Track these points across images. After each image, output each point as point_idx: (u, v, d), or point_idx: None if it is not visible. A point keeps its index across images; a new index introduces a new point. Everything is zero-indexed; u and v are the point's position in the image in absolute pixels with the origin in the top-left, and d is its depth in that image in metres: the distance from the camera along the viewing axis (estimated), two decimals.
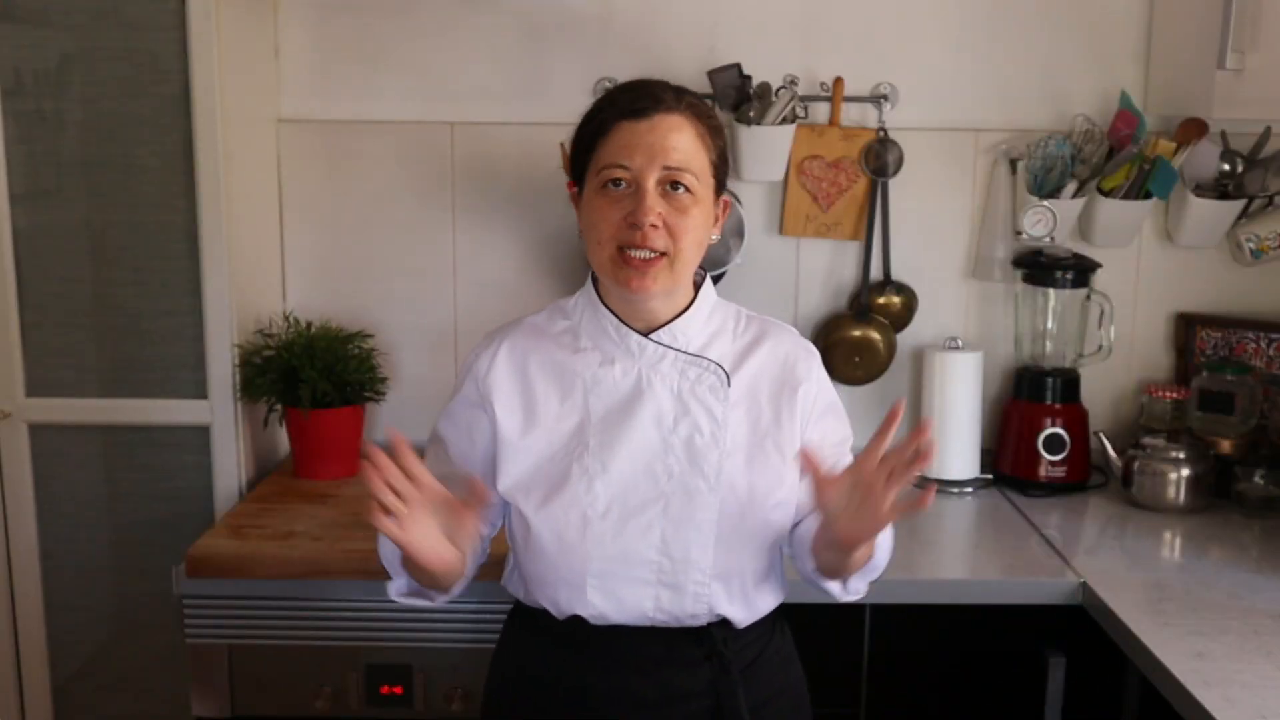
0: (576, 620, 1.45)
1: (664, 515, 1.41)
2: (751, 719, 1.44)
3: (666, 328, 1.45)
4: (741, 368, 1.47)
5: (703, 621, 1.44)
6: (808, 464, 1.31)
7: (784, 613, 1.59)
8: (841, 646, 1.88)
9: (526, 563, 1.46)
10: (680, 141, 1.38)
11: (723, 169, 1.46)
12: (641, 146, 1.37)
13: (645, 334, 1.45)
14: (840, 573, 1.45)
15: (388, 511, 1.28)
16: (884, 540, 1.47)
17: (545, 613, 1.48)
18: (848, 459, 1.52)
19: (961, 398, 2.30)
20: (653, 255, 1.38)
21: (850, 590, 1.49)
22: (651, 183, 1.37)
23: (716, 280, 1.63)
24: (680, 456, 1.42)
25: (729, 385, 1.45)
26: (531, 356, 1.48)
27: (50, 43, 2.06)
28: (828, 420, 1.52)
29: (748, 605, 1.47)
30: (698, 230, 1.41)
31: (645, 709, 1.44)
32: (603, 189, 1.39)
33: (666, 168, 1.37)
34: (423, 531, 1.32)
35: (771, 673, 1.51)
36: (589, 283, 1.51)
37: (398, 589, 1.50)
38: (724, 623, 1.46)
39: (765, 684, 1.49)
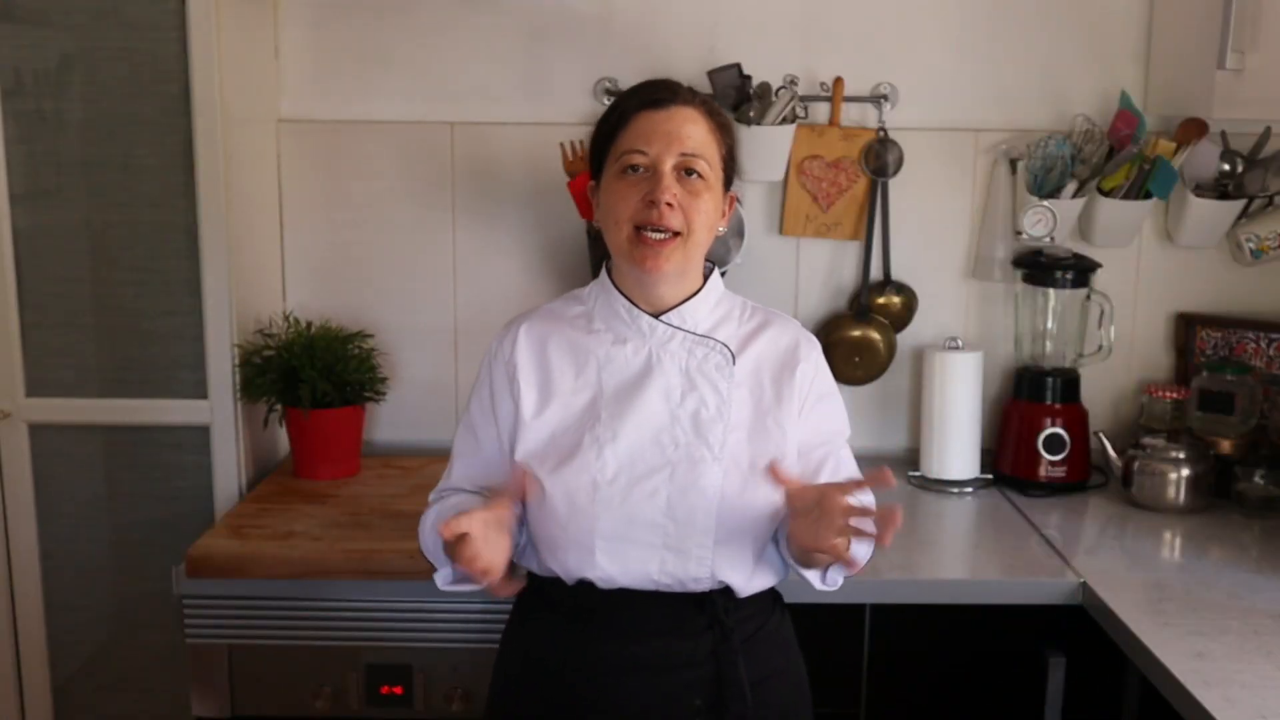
0: (584, 586, 1.49)
1: (670, 481, 1.47)
2: (751, 693, 1.48)
3: (676, 310, 1.53)
4: (746, 350, 1.55)
5: (705, 587, 1.49)
6: (776, 477, 1.39)
7: (783, 605, 1.62)
8: (841, 646, 1.88)
9: (539, 527, 1.51)
10: (695, 131, 1.48)
11: (731, 165, 1.55)
12: (659, 133, 1.47)
13: (655, 316, 1.53)
14: (809, 565, 1.51)
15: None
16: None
17: (554, 585, 1.52)
18: (844, 453, 1.59)
19: (961, 398, 2.30)
20: (667, 235, 1.46)
21: (828, 581, 1.56)
22: (668, 166, 1.46)
23: None
24: (686, 428, 1.49)
25: (734, 364, 1.52)
26: (549, 337, 1.57)
27: (50, 43, 2.06)
28: (824, 407, 1.57)
29: (748, 574, 1.51)
30: (709, 214, 1.50)
31: (647, 674, 1.48)
32: (622, 174, 1.49)
33: (683, 153, 1.47)
34: (492, 549, 1.39)
35: (771, 651, 1.56)
36: (603, 271, 1.59)
37: (445, 579, 1.56)
38: (726, 591, 1.50)
39: (765, 661, 1.53)
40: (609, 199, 1.50)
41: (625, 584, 1.48)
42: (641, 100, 1.50)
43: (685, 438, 1.48)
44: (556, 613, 1.53)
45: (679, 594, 1.49)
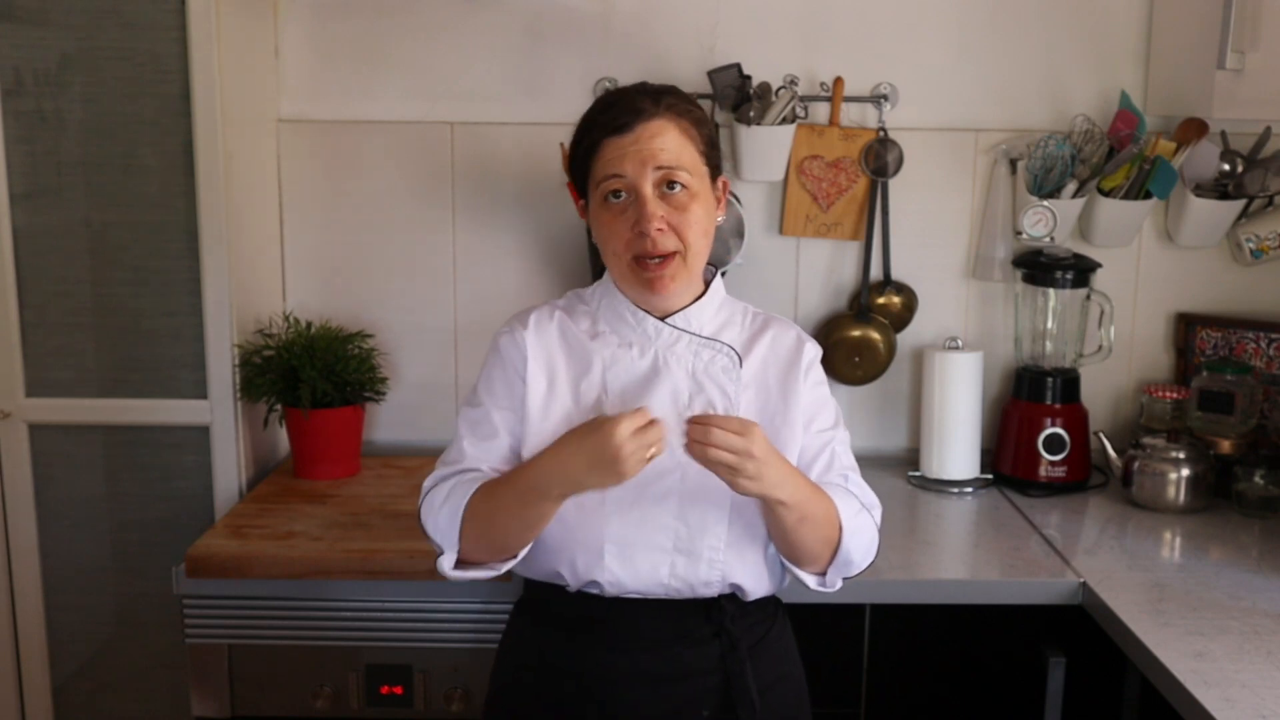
0: (587, 594, 1.48)
1: (681, 484, 1.46)
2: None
3: (681, 313, 1.53)
4: (751, 353, 1.54)
5: (715, 591, 1.48)
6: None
7: (784, 611, 1.62)
8: (841, 646, 1.88)
9: (546, 529, 1.48)
10: (666, 143, 1.45)
11: (714, 154, 1.52)
12: (630, 155, 1.44)
13: (660, 319, 1.52)
14: (793, 554, 1.48)
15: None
16: (855, 530, 1.49)
17: (556, 594, 1.50)
18: (836, 445, 1.56)
19: (961, 398, 2.30)
20: (665, 258, 1.45)
21: (827, 583, 1.53)
22: (648, 187, 1.44)
23: None
24: None
25: (740, 366, 1.51)
26: (555, 335, 1.55)
27: (50, 43, 2.06)
28: (820, 404, 1.57)
29: (757, 575, 1.50)
30: (701, 223, 1.47)
31: (655, 685, 1.47)
32: (605, 202, 1.47)
33: (658, 167, 1.44)
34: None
35: (775, 658, 1.55)
36: (607, 274, 1.56)
37: (449, 562, 1.48)
38: (732, 597, 1.50)
39: (769, 668, 1.53)
40: (600, 229, 1.49)
41: (634, 589, 1.46)
42: (605, 127, 1.46)
43: None
44: (559, 622, 1.51)
45: (685, 601, 1.48)
